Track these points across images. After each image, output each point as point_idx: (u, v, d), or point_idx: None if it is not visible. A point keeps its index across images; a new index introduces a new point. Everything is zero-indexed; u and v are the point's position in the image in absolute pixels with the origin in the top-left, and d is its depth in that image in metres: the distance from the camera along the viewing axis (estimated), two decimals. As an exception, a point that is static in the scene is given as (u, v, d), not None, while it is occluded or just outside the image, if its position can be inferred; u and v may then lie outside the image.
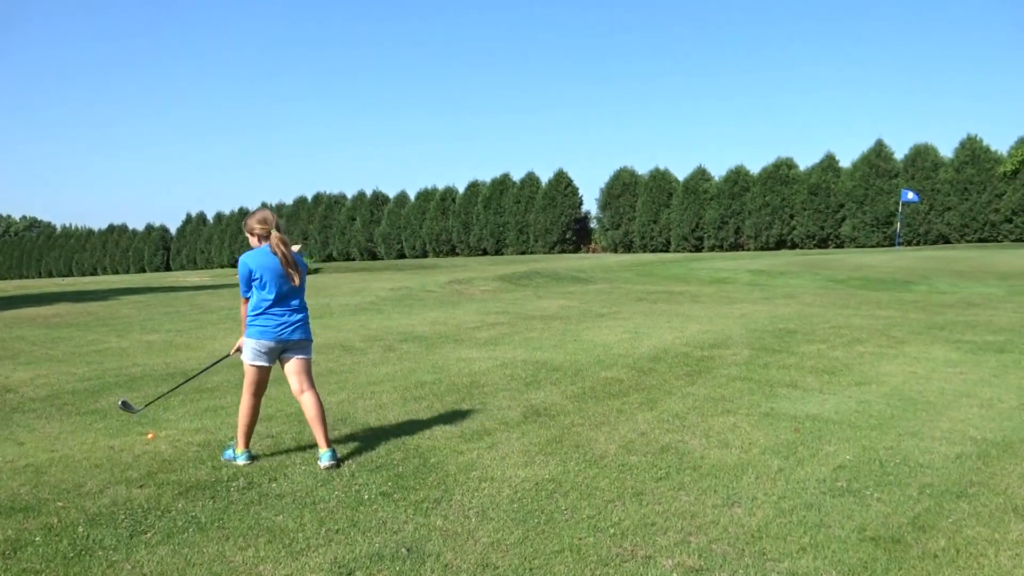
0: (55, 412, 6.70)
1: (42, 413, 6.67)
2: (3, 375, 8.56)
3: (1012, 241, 36.15)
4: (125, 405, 5.67)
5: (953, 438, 5.41)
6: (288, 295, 5.01)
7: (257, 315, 4.97)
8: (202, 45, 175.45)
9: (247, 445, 5.08)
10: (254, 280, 4.95)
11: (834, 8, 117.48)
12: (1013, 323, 11.56)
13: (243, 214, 66.52)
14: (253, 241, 5.03)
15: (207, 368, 6.57)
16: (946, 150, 39.16)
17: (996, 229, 37.06)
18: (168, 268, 69.13)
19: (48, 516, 4.10)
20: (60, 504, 4.28)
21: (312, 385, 5.15)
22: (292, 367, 5.12)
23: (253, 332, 4.98)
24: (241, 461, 4.99)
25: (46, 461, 5.14)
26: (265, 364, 5.03)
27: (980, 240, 37.21)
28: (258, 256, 4.96)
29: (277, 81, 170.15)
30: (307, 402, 5.08)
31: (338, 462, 4.91)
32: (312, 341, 5.23)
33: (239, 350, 5.14)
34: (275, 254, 4.92)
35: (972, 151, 37.81)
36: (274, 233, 4.94)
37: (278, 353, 5.07)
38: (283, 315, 5.00)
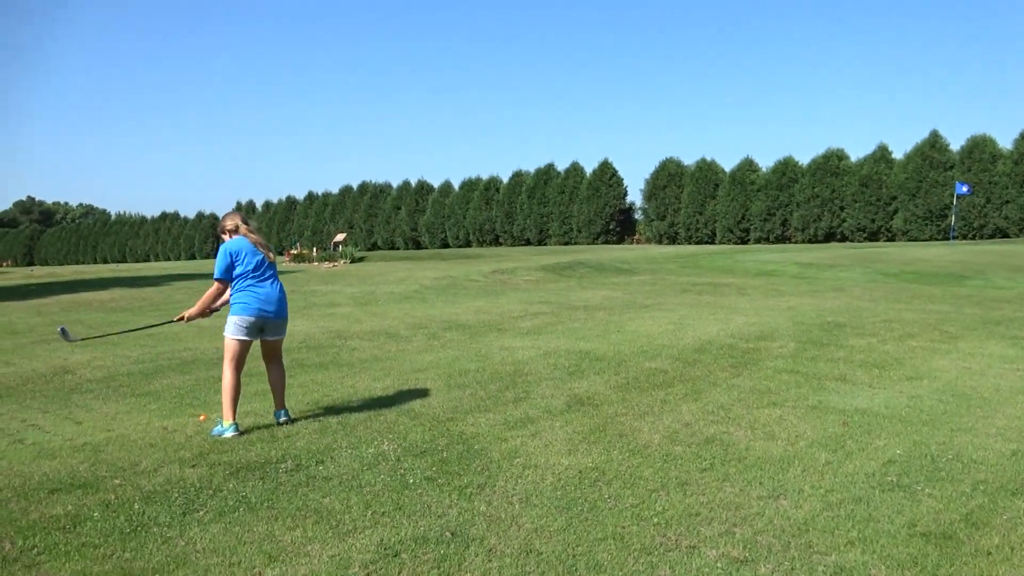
0: (111, 393, 6.90)
1: (99, 394, 6.88)
2: (62, 357, 8.84)
3: (1073, 235, 34.94)
4: (64, 333, 6.13)
5: (1009, 435, 5.28)
6: (264, 270, 5.58)
7: (238, 292, 5.51)
8: (251, 38, 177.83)
9: (234, 418, 5.44)
10: (237, 262, 5.51)
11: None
12: (1073, 319, 11.20)
13: (291, 202, 67.48)
14: (226, 238, 5.68)
15: (154, 325, 7.23)
16: (1005, 141, 38.00)
17: (1057, 223, 35.85)
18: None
19: (105, 493, 4.23)
20: (117, 482, 4.42)
21: (280, 361, 5.78)
22: (267, 347, 5.74)
23: (236, 309, 5.51)
24: (229, 434, 5.32)
25: (103, 440, 5.30)
26: (246, 339, 5.52)
27: (1039, 234, 36.03)
28: (236, 242, 5.59)
29: (325, 73, 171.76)
30: (272, 372, 5.74)
31: (292, 421, 5.67)
32: (287, 320, 5.77)
33: (182, 319, 5.79)
34: (249, 238, 5.60)
35: (1032, 142, 36.56)
36: (242, 226, 5.64)
37: (258, 329, 5.56)
38: (263, 291, 5.54)
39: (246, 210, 70.10)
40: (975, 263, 21.31)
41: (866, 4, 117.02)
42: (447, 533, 3.64)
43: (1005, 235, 37.22)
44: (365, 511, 3.93)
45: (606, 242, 48.65)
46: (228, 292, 5.62)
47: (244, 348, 5.53)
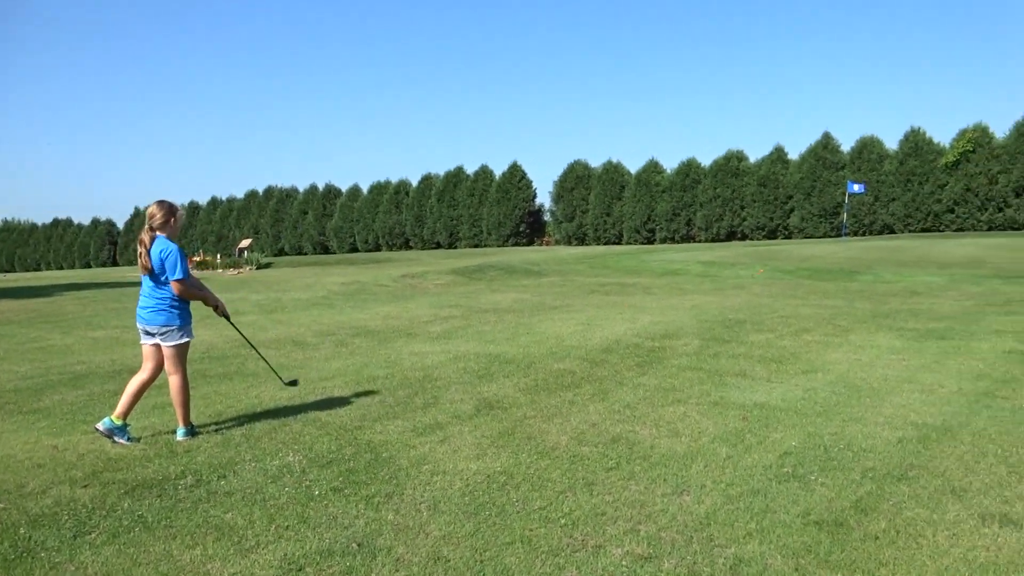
0: (-5, 412, 6.51)
1: (-19, 413, 6.47)
2: (-61, 375, 8.28)
3: (953, 231, 37.25)
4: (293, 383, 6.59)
5: (895, 423, 5.56)
6: (144, 282, 5.51)
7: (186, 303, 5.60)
8: (143, 35, 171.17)
9: (123, 415, 5.43)
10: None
11: (779, 2, 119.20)
12: (954, 311, 11.92)
13: (194, 208, 65.41)
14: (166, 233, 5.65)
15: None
16: (891, 142, 40.22)
17: (938, 219, 38.15)
18: (115, 263, 67.56)
19: (-13, 519, 3.98)
20: (1, 505, 4.17)
21: (176, 370, 5.48)
22: (162, 352, 5.55)
23: (189, 317, 5.61)
24: (103, 426, 5.37)
25: (-15, 463, 4.99)
26: (142, 341, 5.56)
27: (923, 230, 38.24)
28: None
29: (224, 73, 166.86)
30: (170, 384, 5.51)
31: (193, 435, 5.48)
32: (169, 328, 5.46)
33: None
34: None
35: (915, 143, 38.84)
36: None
37: (150, 336, 5.50)
38: (139, 300, 5.56)
39: (143, 217, 67.57)
40: (865, 259, 22.43)
41: (757, 7, 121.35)
42: (353, 544, 3.59)
43: (892, 231, 39.31)
44: (269, 525, 3.83)
45: (516, 244, 48.98)
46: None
47: (144, 349, 5.57)
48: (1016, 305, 12.63)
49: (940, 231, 37.67)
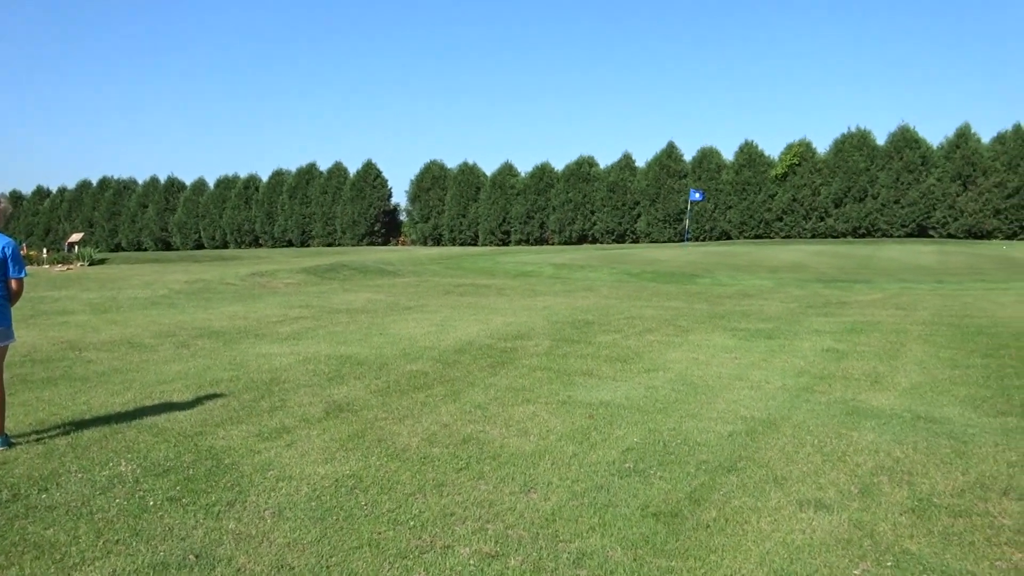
0: None
1: None
2: None
3: (782, 238, 40.08)
4: None
5: (727, 418, 5.92)
6: None
7: None
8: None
9: None
10: None
11: (624, 10, 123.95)
12: (780, 312, 12.82)
13: (17, 198, 60.27)
14: None
15: None
16: (728, 153, 42.75)
17: (769, 227, 40.94)
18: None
19: None
20: None
21: None
22: None
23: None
24: None
25: None
26: None
27: (756, 236, 40.92)
28: None
29: (59, 54, 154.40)
30: None
31: (9, 445, 5.03)
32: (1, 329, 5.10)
33: None
34: None
35: (749, 155, 41.50)
36: None
37: None
38: None
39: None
40: (704, 263, 23.74)
41: (608, 15, 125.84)
42: (191, 556, 3.43)
43: (729, 237, 41.79)
44: (96, 540, 3.59)
45: (371, 243, 48.39)
46: None
47: None
48: (833, 307, 13.76)
49: (771, 238, 40.45)
